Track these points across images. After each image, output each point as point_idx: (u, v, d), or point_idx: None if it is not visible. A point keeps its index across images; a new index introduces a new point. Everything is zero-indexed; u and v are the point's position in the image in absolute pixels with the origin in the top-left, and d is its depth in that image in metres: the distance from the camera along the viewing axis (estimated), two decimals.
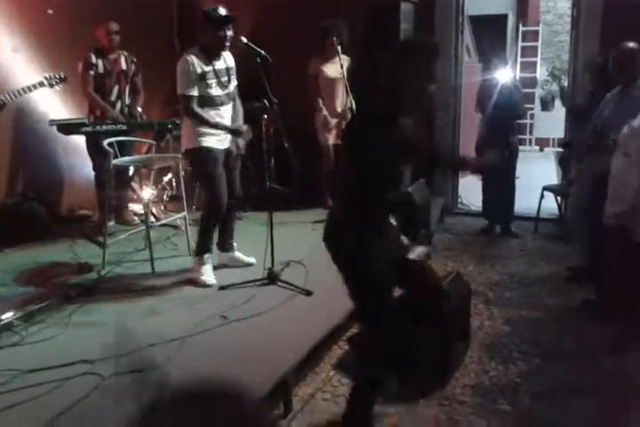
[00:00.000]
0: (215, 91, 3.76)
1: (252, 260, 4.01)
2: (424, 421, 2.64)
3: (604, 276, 3.64)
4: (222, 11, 3.67)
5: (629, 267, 3.26)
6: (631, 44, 3.72)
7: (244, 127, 3.92)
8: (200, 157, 3.79)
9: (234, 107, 3.96)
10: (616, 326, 3.39)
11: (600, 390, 2.83)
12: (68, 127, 4.72)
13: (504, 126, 5.20)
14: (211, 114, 3.75)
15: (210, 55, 3.75)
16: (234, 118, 3.94)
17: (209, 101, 3.75)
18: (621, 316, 3.40)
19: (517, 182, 5.49)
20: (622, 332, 3.32)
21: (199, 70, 3.69)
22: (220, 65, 3.80)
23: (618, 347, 3.22)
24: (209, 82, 3.72)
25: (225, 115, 3.86)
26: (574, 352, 3.24)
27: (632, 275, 3.25)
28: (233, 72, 3.90)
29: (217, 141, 3.79)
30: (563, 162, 5.63)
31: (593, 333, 3.42)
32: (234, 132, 3.82)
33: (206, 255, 3.87)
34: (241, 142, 4.00)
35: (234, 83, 3.91)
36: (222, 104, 3.82)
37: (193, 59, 3.69)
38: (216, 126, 3.74)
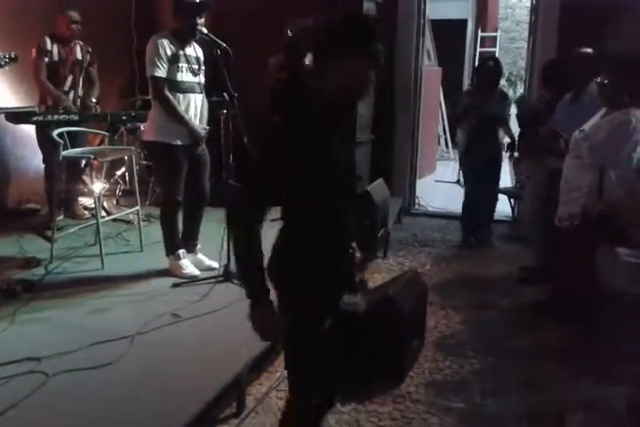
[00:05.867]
0: (186, 76, 3.65)
1: (214, 264, 3.87)
2: (378, 419, 2.62)
3: (556, 276, 3.72)
4: None
5: (581, 268, 3.32)
6: (583, 50, 3.81)
7: (203, 133, 3.75)
8: (160, 151, 3.68)
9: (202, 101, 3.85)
10: (566, 326, 3.46)
11: (549, 388, 2.87)
12: (17, 116, 4.54)
13: (489, 134, 4.90)
14: (180, 98, 3.63)
15: (180, 40, 3.64)
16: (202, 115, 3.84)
17: (179, 86, 3.63)
18: (572, 316, 3.47)
19: None
20: (572, 331, 3.39)
21: (170, 52, 3.57)
22: (190, 52, 3.70)
23: (568, 346, 3.28)
24: (180, 65, 3.61)
25: (196, 103, 3.73)
26: (525, 351, 3.27)
27: (584, 276, 3.31)
28: (202, 63, 3.79)
29: (182, 136, 3.65)
30: (516, 165, 5.73)
31: (544, 332, 3.47)
32: (193, 132, 3.66)
33: (180, 251, 3.80)
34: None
35: (202, 76, 3.80)
36: (193, 91, 3.70)
37: (163, 40, 3.57)
38: (180, 119, 3.60)
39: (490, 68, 4.84)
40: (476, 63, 9.60)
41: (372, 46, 1.64)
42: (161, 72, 3.55)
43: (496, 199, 5.19)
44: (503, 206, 5.68)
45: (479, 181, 4.99)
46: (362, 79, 1.69)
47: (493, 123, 4.88)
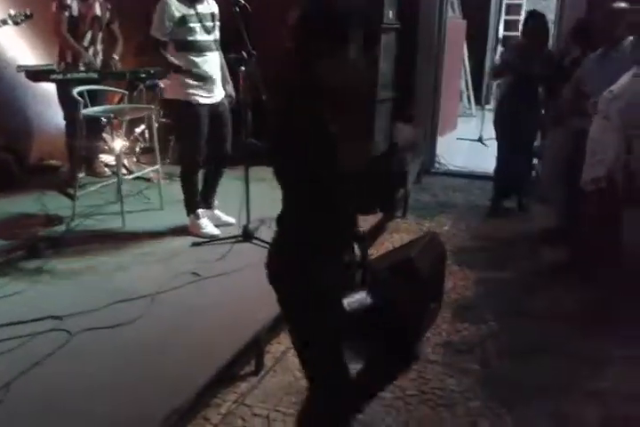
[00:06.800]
0: (200, 35, 3.61)
1: (231, 220, 3.92)
2: None
3: (576, 239, 3.68)
4: None
5: (604, 231, 3.29)
6: (617, 5, 3.65)
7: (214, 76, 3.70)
8: (181, 110, 3.66)
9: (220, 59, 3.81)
10: (583, 288, 3.45)
11: (566, 350, 2.88)
12: (36, 74, 4.53)
13: (525, 92, 4.56)
14: (195, 59, 3.60)
15: None
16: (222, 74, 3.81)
17: (194, 47, 3.60)
18: (590, 278, 3.46)
19: (494, 144, 5.24)
20: (589, 293, 3.37)
21: (178, 13, 3.53)
22: (203, 9, 3.64)
23: (583, 308, 3.27)
24: (191, 26, 3.56)
25: (213, 62, 3.70)
26: (542, 313, 3.28)
27: (608, 238, 3.28)
28: (217, 19, 3.73)
29: (203, 96, 3.64)
30: (542, 124, 5.59)
31: (560, 294, 3.46)
32: (199, 77, 3.60)
33: (200, 210, 3.83)
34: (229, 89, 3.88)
35: (217, 32, 3.74)
36: (209, 50, 3.67)
37: (172, 1, 3.52)
38: (177, 69, 3.57)
39: (533, 27, 4.49)
40: (503, 17, 9.30)
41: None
42: (157, 33, 3.56)
43: (532, 160, 5.01)
44: None
45: (511, 141, 4.73)
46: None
47: (531, 82, 4.57)
